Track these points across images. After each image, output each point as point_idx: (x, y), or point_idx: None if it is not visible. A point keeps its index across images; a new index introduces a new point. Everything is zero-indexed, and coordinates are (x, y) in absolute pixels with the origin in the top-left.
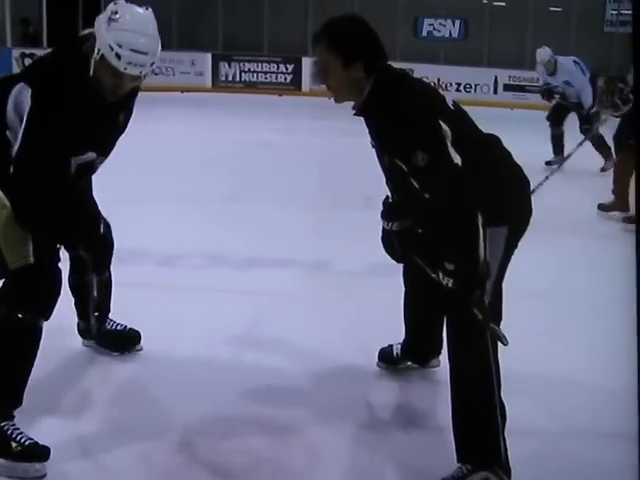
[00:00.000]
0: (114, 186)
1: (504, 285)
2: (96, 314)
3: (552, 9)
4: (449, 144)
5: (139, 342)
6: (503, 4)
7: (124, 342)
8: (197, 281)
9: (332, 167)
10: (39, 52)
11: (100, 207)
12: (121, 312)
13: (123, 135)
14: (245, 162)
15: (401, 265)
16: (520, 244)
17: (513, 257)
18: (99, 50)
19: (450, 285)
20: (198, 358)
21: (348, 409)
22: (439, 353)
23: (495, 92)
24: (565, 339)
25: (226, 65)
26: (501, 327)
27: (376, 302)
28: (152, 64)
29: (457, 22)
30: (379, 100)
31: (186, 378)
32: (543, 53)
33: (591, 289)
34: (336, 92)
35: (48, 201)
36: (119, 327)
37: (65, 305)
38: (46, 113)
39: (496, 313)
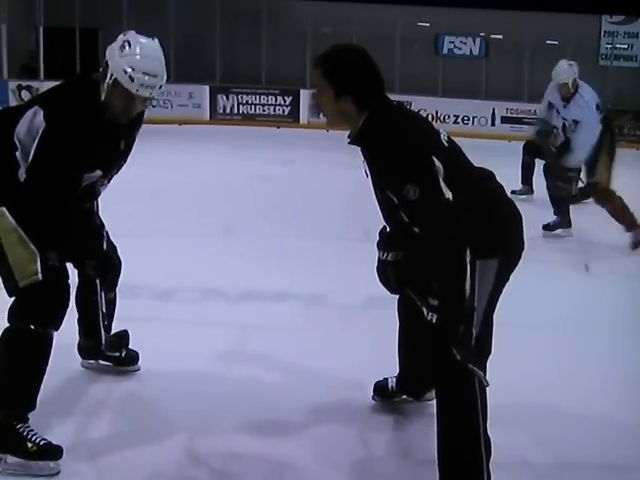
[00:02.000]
0: (112, 219)
1: (502, 317)
2: (105, 323)
3: (548, 42)
4: (441, 179)
5: (137, 362)
6: (500, 37)
7: (123, 361)
8: (193, 315)
9: (330, 199)
10: (36, 84)
11: None
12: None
13: (125, 165)
14: (243, 194)
15: (395, 299)
16: (517, 276)
17: (511, 289)
18: (112, 75)
19: (434, 320)
20: (193, 391)
21: (343, 442)
22: (434, 387)
23: (493, 124)
24: (562, 371)
25: (224, 97)
26: (498, 358)
27: (372, 335)
28: (160, 87)
29: (477, 40)
30: (372, 132)
31: (181, 411)
32: (569, 70)
33: (589, 321)
34: (328, 116)
35: (58, 214)
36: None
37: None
38: (59, 133)
39: (485, 346)
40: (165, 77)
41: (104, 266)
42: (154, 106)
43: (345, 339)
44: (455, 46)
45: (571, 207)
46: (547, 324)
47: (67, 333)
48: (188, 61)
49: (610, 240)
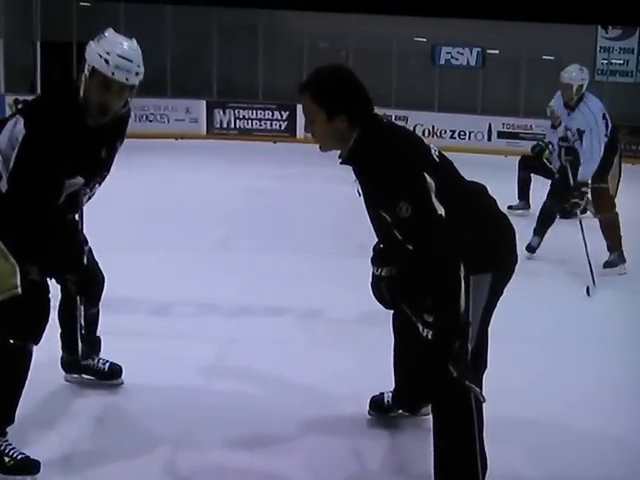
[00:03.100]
0: (107, 234)
1: (495, 331)
2: (83, 332)
3: (545, 57)
4: (433, 195)
5: (120, 375)
6: (497, 52)
7: (106, 375)
8: (188, 329)
9: (326, 214)
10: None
11: (97, 256)
12: (111, 360)
13: (112, 176)
14: (239, 209)
15: (391, 314)
16: (514, 291)
17: (508, 303)
18: (89, 66)
19: (429, 337)
20: (184, 404)
21: (338, 457)
22: (430, 402)
23: (489, 139)
24: (555, 384)
25: (221, 112)
26: (492, 372)
27: (367, 350)
28: (137, 74)
29: (475, 51)
30: (363, 150)
31: (170, 425)
32: (578, 73)
33: (585, 335)
34: (321, 141)
35: (39, 226)
36: (101, 362)
37: (46, 342)
38: (37, 137)
39: (480, 360)
40: (142, 69)
41: (85, 282)
42: (151, 121)
43: (340, 354)
44: (452, 57)
45: (567, 222)
46: (539, 338)
47: (53, 347)
48: (185, 76)
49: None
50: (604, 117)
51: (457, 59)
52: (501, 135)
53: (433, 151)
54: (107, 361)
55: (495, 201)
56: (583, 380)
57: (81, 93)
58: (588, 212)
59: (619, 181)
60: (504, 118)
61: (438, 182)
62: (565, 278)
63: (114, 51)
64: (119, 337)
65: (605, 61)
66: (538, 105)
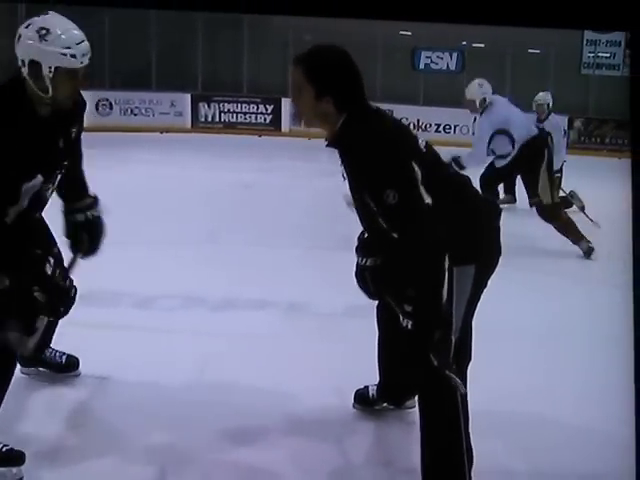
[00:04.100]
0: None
1: (481, 325)
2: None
3: (530, 51)
4: (420, 185)
5: (77, 367)
6: (482, 45)
7: (63, 367)
8: (172, 323)
9: (311, 208)
10: None
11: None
12: (95, 354)
13: (97, 169)
14: (224, 203)
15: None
16: (502, 283)
17: (496, 297)
18: (50, 67)
19: (409, 327)
20: (170, 398)
21: (322, 451)
22: (414, 394)
23: (474, 133)
24: (541, 378)
25: (205, 106)
26: (477, 366)
27: (352, 343)
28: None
29: (454, 54)
30: (350, 135)
31: (157, 419)
32: (479, 88)
33: (569, 329)
34: (305, 116)
35: None
36: (58, 354)
37: None
38: None
39: (465, 352)
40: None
41: (53, 296)
42: (136, 114)
43: (325, 347)
44: (432, 61)
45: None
46: (526, 332)
47: None
48: (170, 69)
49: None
50: (503, 131)
51: (437, 63)
52: None
53: (420, 141)
54: (63, 353)
55: (479, 193)
56: (571, 375)
57: (50, 90)
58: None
59: (554, 185)
60: None
61: (424, 172)
62: (546, 272)
63: (73, 42)
64: (103, 330)
65: (592, 54)
66: (523, 99)
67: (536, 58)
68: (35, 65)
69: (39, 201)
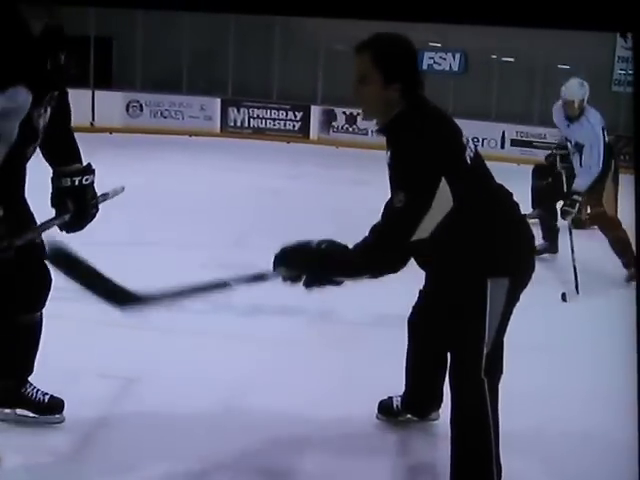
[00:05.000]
0: (121, 228)
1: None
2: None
3: (560, 67)
4: (433, 202)
5: (61, 410)
6: (512, 60)
7: (45, 409)
8: (200, 326)
9: (338, 215)
10: None
11: (108, 250)
12: (124, 355)
13: (126, 168)
14: (252, 208)
15: (405, 317)
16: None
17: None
18: None
19: None
20: (196, 401)
21: (344, 460)
22: (439, 406)
23: (502, 147)
24: (563, 394)
25: (235, 110)
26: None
27: (377, 353)
28: None
29: (457, 55)
30: (404, 125)
31: (182, 420)
32: (579, 88)
33: (588, 343)
34: (367, 106)
35: None
36: (39, 394)
37: None
38: None
39: (497, 365)
40: None
41: (23, 272)
42: (165, 117)
43: (350, 356)
44: (435, 62)
45: (574, 232)
46: (526, 342)
47: None
48: (200, 73)
49: (599, 266)
50: (603, 131)
51: (440, 64)
52: (514, 143)
53: (468, 150)
54: (46, 393)
55: (518, 207)
56: (573, 384)
57: None
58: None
59: (617, 198)
60: (518, 126)
61: (462, 183)
62: (555, 286)
63: None
64: (132, 331)
65: (623, 72)
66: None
67: (566, 74)
68: None
69: (19, 157)
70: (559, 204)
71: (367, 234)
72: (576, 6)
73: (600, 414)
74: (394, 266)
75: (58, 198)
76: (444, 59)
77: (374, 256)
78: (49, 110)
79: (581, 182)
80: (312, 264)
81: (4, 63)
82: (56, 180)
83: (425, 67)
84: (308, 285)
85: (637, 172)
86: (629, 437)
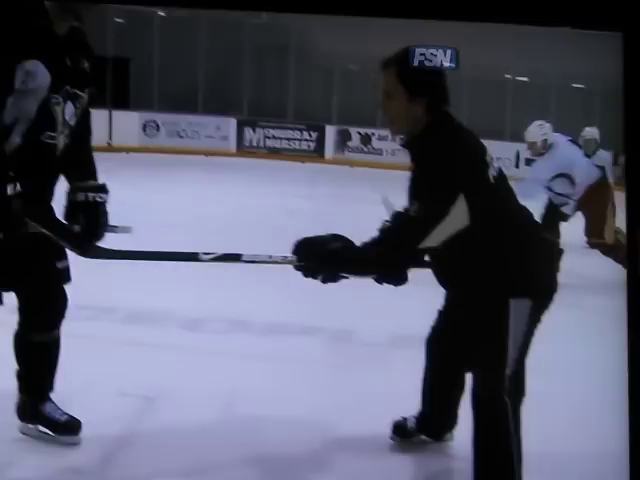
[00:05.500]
0: (138, 246)
1: None
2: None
3: (575, 85)
4: (446, 218)
5: (77, 432)
6: (526, 79)
7: (61, 428)
8: (218, 345)
9: (354, 235)
10: None
11: (124, 269)
12: (142, 373)
13: (142, 189)
14: (268, 227)
15: (423, 338)
16: None
17: None
18: None
19: None
20: (214, 420)
21: None
22: (453, 428)
23: (517, 166)
24: (557, 411)
25: (251, 130)
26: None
27: (392, 374)
28: None
29: (448, 52)
30: (427, 141)
31: (200, 439)
32: (538, 129)
33: (578, 359)
34: (394, 121)
35: None
36: (58, 413)
37: None
38: None
39: (519, 387)
40: None
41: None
42: (182, 137)
43: (365, 376)
44: (426, 58)
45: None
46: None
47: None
48: (216, 93)
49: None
50: (576, 144)
51: (431, 60)
52: (529, 162)
53: (492, 169)
54: (65, 413)
55: (540, 226)
56: (583, 404)
57: None
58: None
59: (615, 223)
60: None
61: (484, 201)
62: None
63: None
64: (151, 350)
65: None
66: (567, 133)
67: (580, 92)
68: None
69: (37, 141)
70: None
71: (377, 234)
72: (566, 6)
73: (589, 435)
74: (399, 274)
75: (70, 211)
76: (435, 55)
77: (382, 257)
78: (70, 106)
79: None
80: (327, 264)
81: (25, 37)
82: (71, 194)
83: (416, 63)
84: (325, 281)
85: (627, 178)
86: (620, 457)
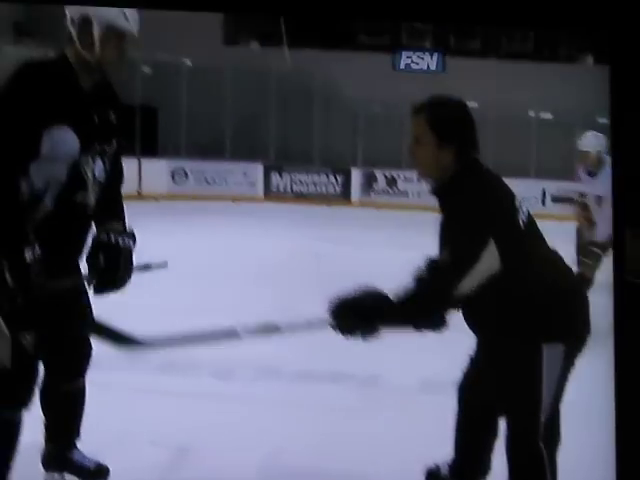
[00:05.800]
0: (166, 296)
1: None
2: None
3: (600, 121)
4: (477, 264)
5: (106, 478)
6: (550, 117)
7: (90, 475)
8: (249, 393)
9: (382, 279)
10: None
11: (155, 319)
12: (172, 423)
13: (171, 237)
14: (296, 272)
15: (452, 383)
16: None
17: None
18: (101, 25)
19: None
20: (246, 469)
21: None
22: (487, 474)
23: (543, 204)
24: None
25: (277, 175)
26: None
27: (424, 419)
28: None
29: (435, 55)
30: (456, 189)
31: None
32: (594, 139)
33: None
34: (422, 167)
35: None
36: (86, 461)
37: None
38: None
39: (555, 434)
40: None
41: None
42: (209, 183)
43: (397, 422)
44: (413, 61)
45: None
46: None
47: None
48: (243, 140)
49: None
50: None
51: (417, 64)
52: (556, 200)
53: (521, 214)
54: (92, 459)
55: (571, 270)
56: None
57: (89, 55)
58: None
59: None
60: (558, 182)
61: (514, 247)
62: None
63: (125, 7)
64: (182, 399)
65: None
66: None
67: (606, 128)
68: (85, 23)
69: (69, 203)
70: None
71: (410, 284)
72: (552, 38)
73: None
74: (436, 321)
75: (92, 251)
76: (422, 59)
77: (418, 308)
78: (100, 163)
79: (602, 232)
80: (364, 323)
81: (51, 100)
82: (96, 235)
83: (402, 67)
84: (365, 338)
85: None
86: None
